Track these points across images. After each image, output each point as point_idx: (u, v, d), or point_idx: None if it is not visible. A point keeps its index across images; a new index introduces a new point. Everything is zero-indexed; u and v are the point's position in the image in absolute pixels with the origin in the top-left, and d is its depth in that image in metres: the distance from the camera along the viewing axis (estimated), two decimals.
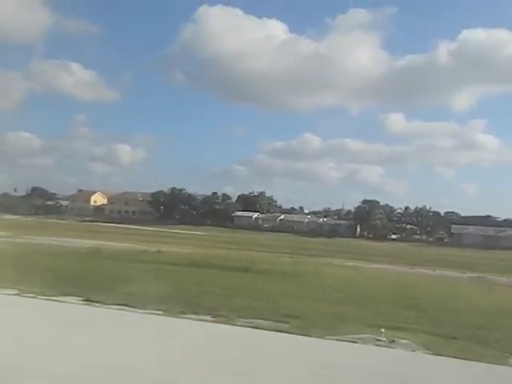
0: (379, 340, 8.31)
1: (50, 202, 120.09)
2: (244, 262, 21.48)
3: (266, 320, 9.58)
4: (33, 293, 11.57)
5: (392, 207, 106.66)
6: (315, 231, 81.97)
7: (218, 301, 11.63)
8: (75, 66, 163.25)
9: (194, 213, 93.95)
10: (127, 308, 10.11)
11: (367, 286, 16.38)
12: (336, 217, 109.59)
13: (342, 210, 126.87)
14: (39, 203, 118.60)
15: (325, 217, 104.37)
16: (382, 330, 8.49)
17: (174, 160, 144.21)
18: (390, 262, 31.80)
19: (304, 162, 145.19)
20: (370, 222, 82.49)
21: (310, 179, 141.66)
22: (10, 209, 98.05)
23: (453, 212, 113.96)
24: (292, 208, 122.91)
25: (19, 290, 11.91)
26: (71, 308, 9.94)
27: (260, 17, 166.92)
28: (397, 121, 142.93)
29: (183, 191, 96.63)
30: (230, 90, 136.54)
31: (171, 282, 14.84)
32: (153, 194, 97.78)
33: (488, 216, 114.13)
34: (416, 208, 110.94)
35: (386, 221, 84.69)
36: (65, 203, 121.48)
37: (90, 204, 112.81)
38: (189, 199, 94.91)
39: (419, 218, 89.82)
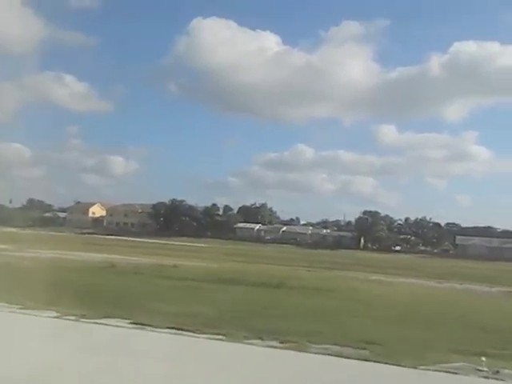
0: (481, 370, 7.39)
1: (47, 214, 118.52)
2: (271, 278, 20.59)
3: (341, 346, 8.66)
4: (73, 315, 10.63)
5: (392, 218, 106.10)
6: (318, 243, 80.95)
7: (272, 323, 10.73)
8: (69, 78, 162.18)
9: (195, 224, 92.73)
10: (185, 333, 9.20)
11: (412, 303, 15.51)
12: (335, 228, 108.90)
13: (340, 220, 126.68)
14: (36, 215, 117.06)
15: (324, 228, 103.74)
16: (483, 358, 7.56)
17: (167, 171, 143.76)
18: (412, 276, 30.89)
19: (297, 174, 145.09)
20: (373, 233, 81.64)
21: (303, 190, 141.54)
22: (6, 221, 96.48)
23: (453, 223, 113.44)
24: (291, 219, 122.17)
25: (57, 312, 10.96)
26: (129, 333, 9.05)
27: (254, 29, 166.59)
28: (389, 132, 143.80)
29: (184, 202, 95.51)
30: (223, 101, 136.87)
31: (209, 300, 13.93)
32: (153, 206, 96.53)
33: (489, 227, 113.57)
34: (416, 219, 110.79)
35: (388, 232, 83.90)
36: (62, 215, 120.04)
37: (89, 216, 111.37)
38: (189, 210, 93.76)
39: (424, 230, 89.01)
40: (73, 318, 10.47)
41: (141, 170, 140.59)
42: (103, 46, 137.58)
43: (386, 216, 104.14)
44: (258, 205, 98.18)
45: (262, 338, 9.23)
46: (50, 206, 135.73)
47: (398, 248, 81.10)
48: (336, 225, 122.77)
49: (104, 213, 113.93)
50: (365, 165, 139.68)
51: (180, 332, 9.57)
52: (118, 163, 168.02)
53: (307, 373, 6.84)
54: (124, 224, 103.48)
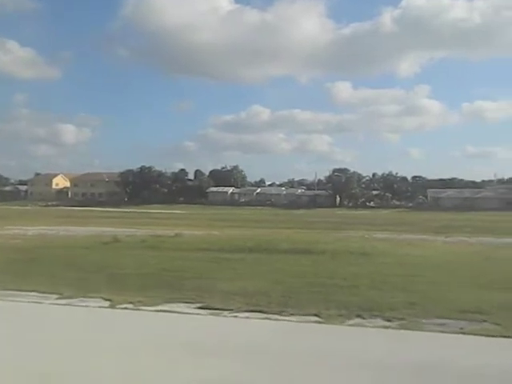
0: None
1: (7, 188, 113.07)
2: (295, 243, 19.31)
3: (452, 319, 7.69)
4: (127, 302, 9.04)
5: (360, 174, 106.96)
6: (294, 203, 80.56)
7: (352, 296, 9.53)
8: (11, 44, 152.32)
9: (165, 191, 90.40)
10: (272, 316, 8.00)
11: (468, 262, 14.65)
12: (304, 187, 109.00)
13: (305, 180, 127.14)
14: None
15: (290, 188, 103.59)
16: None
17: (122, 138, 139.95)
18: (418, 232, 30.36)
19: (254, 135, 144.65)
20: (348, 190, 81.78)
21: (260, 151, 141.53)
22: None
23: (419, 176, 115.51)
24: (259, 181, 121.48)
25: (104, 299, 9.33)
26: (216, 322, 7.71)
27: None
28: (344, 89, 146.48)
29: (153, 169, 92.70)
30: (175, 63, 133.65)
31: (259, 274, 12.55)
32: (121, 174, 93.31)
33: (453, 178, 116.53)
34: (383, 174, 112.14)
35: (361, 189, 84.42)
36: (23, 188, 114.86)
37: (52, 187, 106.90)
38: (159, 177, 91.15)
39: (393, 185, 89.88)
40: (128, 306, 8.88)
41: (94, 137, 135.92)
42: (47, 10, 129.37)
43: (354, 173, 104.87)
44: (229, 168, 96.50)
45: (362, 317, 8.03)
46: (6, 179, 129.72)
47: (372, 204, 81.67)
48: (303, 184, 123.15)
49: (68, 184, 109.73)
50: (321, 123, 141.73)
51: (268, 316, 8.23)
52: (69, 132, 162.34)
53: (465, 357, 5.68)
54: (91, 194, 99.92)
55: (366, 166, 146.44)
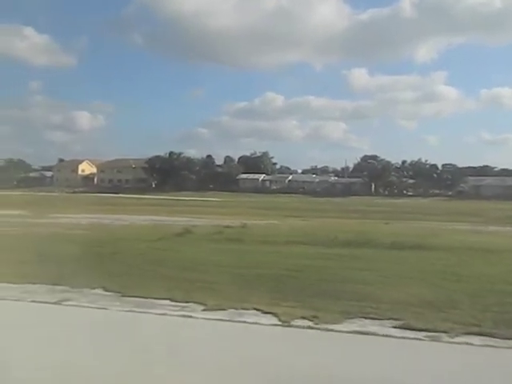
0: None
1: (33, 174, 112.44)
2: (392, 236, 17.25)
3: None
4: (299, 318, 7.15)
5: (389, 162, 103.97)
6: (328, 191, 78.22)
7: None
8: (28, 31, 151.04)
9: (194, 178, 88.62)
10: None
11: None
12: (333, 175, 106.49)
13: (327, 167, 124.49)
14: (19, 175, 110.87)
15: (313, 175, 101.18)
16: None
17: (136, 125, 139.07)
18: (489, 223, 28.04)
19: (267, 122, 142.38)
20: (384, 178, 79.10)
21: (273, 138, 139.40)
22: None
23: (450, 164, 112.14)
24: (287, 168, 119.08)
25: (263, 311, 7.42)
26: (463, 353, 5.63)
27: None
28: (360, 76, 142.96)
29: (182, 155, 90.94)
30: (190, 50, 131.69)
31: (406, 276, 10.50)
32: (148, 160, 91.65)
33: (485, 166, 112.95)
34: (412, 162, 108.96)
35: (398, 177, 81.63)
36: (48, 174, 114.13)
37: (78, 174, 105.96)
38: (188, 163, 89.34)
39: (431, 173, 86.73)
40: (308, 324, 6.91)
41: (108, 125, 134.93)
42: None
43: (383, 160, 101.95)
44: (258, 154, 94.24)
45: None
46: (28, 165, 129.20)
47: (410, 193, 78.96)
48: (326, 172, 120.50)
49: (93, 170, 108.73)
50: (336, 109, 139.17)
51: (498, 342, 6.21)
52: (84, 119, 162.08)
53: None
54: (118, 181, 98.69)
55: (381, 153, 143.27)
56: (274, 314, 7.31)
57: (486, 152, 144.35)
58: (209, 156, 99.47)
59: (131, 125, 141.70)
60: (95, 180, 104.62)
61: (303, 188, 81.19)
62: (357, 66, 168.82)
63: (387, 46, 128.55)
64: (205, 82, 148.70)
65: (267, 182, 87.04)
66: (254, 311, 7.55)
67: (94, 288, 9.18)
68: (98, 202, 50.19)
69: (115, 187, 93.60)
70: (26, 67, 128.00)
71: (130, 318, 7.31)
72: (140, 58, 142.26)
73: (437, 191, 79.53)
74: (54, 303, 8.11)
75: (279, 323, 6.97)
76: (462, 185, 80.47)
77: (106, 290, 9.02)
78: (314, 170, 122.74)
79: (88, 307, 7.83)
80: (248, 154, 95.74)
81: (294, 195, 72.78)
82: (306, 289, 9.19)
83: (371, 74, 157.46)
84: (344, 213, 37.97)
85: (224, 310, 7.68)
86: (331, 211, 39.97)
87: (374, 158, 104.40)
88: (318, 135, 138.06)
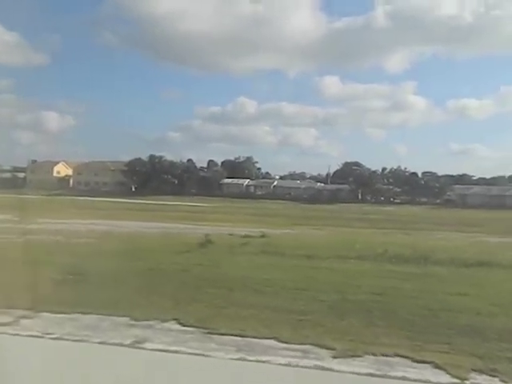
0: None
1: (4, 175, 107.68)
2: (442, 251, 15.81)
3: None
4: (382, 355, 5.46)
5: (369, 169, 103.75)
6: (315, 197, 76.96)
7: None
8: None
9: (176, 182, 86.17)
10: None
11: None
12: (313, 181, 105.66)
13: (304, 173, 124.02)
14: None
15: (298, 181, 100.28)
16: None
17: (106, 126, 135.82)
18: (500, 233, 27.08)
19: (240, 127, 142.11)
20: (372, 186, 78.38)
21: (245, 143, 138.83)
22: None
23: (430, 172, 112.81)
24: (267, 173, 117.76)
25: (436, 365, 5.69)
26: None
27: None
28: (332, 83, 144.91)
29: (163, 158, 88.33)
30: (163, 52, 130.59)
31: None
32: (128, 163, 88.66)
33: (464, 174, 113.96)
34: (391, 169, 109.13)
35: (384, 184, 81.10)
36: (21, 175, 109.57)
37: (53, 175, 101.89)
38: (170, 167, 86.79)
39: (418, 181, 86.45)
40: (492, 381, 5.26)
41: (77, 125, 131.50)
42: None
43: (364, 167, 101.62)
44: (242, 159, 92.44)
45: None
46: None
47: (398, 200, 78.40)
48: (304, 177, 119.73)
49: (69, 172, 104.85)
50: (307, 116, 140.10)
51: None
52: (52, 119, 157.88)
53: None
54: (95, 183, 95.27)
55: (350, 160, 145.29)
56: (435, 365, 5.64)
57: (453, 161, 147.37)
58: (189, 160, 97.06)
59: (101, 126, 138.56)
60: (71, 182, 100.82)
61: (289, 194, 79.72)
62: (329, 73, 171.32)
63: (360, 55, 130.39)
64: (178, 84, 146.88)
65: (252, 187, 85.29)
66: (401, 359, 5.87)
67: (165, 321, 7.33)
68: (83, 206, 47.68)
69: (93, 190, 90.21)
70: None
71: (248, 369, 5.53)
72: (113, 58, 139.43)
73: (424, 199, 79.22)
74: (130, 346, 6.24)
75: (457, 381, 5.27)
76: (448, 193, 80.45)
77: (183, 324, 7.19)
78: (292, 176, 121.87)
79: (180, 353, 6.00)
80: (232, 158, 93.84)
81: (281, 201, 71.21)
82: (422, 322, 7.57)
83: (343, 82, 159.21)
84: (347, 221, 36.58)
85: (359, 356, 5.97)
86: (332, 219, 38.56)
87: (357, 164, 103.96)
88: (289, 141, 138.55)
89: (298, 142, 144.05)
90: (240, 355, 5.88)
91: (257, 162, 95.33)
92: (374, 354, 5.99)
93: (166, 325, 7.19)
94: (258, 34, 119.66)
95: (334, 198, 75.18)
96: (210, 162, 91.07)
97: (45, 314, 7.67)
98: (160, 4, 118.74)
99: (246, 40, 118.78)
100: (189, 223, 29.36)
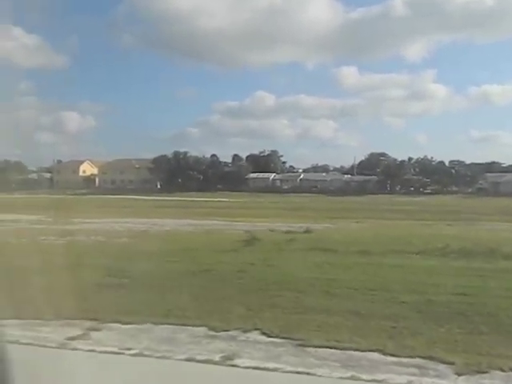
0: None
1: (31, 176, 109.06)
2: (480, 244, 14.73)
3: None
4: None
5: (396, 159, 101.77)
6: (342, 189, 75.70)
7: None
8: (17, 31, 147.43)
9: (201, 178, 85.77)
10: None
11: None
12: (336, 173, 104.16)
13: (327, 165, 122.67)
14: (17, 177, 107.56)
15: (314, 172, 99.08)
16: None
17: (126, 126, 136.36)
18: None
19: (258, 121, 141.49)
20: (401, 176, 76.74)
21: (264, 137, 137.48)
22: None
23: (457, 160, 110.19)
24: (291, 166, 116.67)
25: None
26: None
27: None
28: (350, 74, 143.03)
29: (188, 154, 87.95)
30: (181, 49, 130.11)
31: None
32: (154, 160, 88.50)
33: (493, 162, 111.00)
34: (418, 158, 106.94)
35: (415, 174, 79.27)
36: (47, 176, 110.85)
37: (79, 175, 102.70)
38: (195, 163, 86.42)
39: (454, 170, 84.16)
40: None
41: (98, 125, 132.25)
42: None
43: (389, 157, 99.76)
44: (267, 152, 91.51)
45: None
46: (25, 167, 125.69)
47: (428, 190, 76.57)
48: (326, 170, 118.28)
49: (94, 171, 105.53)
50: (326, 108, 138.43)
51: None
52: (73, 120, 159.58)
53: None
54: (121, 181, 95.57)
55: (370, 150, 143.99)
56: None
57: (475, 149, 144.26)
58: (213, 155, 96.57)
59: (121, 125, 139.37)
60: (97, 181, 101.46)
61: (316, 187, 78.54)
62: (347, 64, 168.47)
63: (378, 45, 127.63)
64: (195, 81, 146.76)
65: (278, 182, 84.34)
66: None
67: (246, 331, 6.67)
68: (112, 204, 47.47)
69: (118, 188, 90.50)
70: (16, 68, 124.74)
71: None
72: (130, 57, 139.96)
73: (454, 188, 77.26)
74: (221, 363, 5.57)
75: None
76: (480, 182, 78.27)
77: (268, 335, 6.51)
78: (315, 169, 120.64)
79: (280, 371, 5.30)
80: (257, 152, 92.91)
81: (308, 194, 70.17)
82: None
83: (361, 73, 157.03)
84: (383, 213, 35.55)
85: (485, 372, 5.19)
86: (367, 211, 37.57)
87: (383, 155, 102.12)
88: (308, 134, 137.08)
89: (317, 134, 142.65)
90: (350, 373, 5.16)
91: (282, 156, 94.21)
92: (501, 369, 5.21)
93: (250, 336, 6.53)
94: (275, 26, 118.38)
95: (361, 190, 73.82)
96: (235, 156, 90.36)
97: (112, 324, 7.10)
98: (176, 2, 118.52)
99: (262, 33, 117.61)
100: (222, 219, 28.79)
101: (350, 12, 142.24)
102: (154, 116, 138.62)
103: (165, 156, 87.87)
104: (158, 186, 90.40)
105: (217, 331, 6.70)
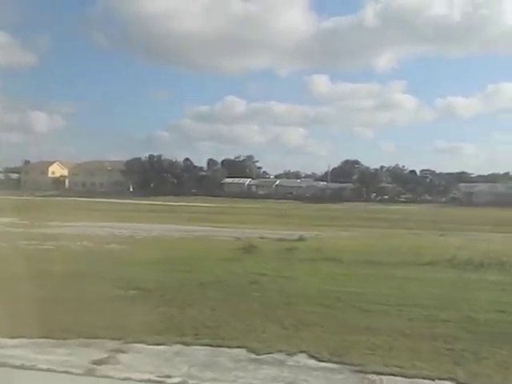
0: None
1: None
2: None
3: None
4: None
5: (368, 167, 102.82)
6: (318, 197, 75.72)
7: None
8: None
9: (175, 181, 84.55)
10: None
11: None
12: (310, 179, 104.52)
13: (299, 172, 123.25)
14: None
15: (298, 180, 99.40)
16: None
17: (95, 127, 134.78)
18: None
19: (228, 126, 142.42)
20: (376, 184, 77.33)
21: (234, 143, 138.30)
22: None
23: (428, 170, 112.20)
24: (264, 172, 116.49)
25: None
26: None
27: None
28: (322, 82, 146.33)
29: (162, 158, 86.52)
30: (153, 52, 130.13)
31: None
32: (127, 162, 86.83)
33: (463, 172, 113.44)
34: (389, 167, 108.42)
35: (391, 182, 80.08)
36: (14, 176, 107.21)
37: (48, 176, 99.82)
38: (170, 166, 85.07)
39: (430, 179, 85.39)
40: None
41: (67, 126, 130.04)
42: None
43: (361, 165, 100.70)
44: (242, 157, 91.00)
45: None
46: None
47: (401, 199, 77.40)
48: (298, 177, 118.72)
49: (64, 172, 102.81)
50: (297, 115, 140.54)
51: None
52: (41, 119, 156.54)
53: None
54: (91, 184, 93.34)
55: (338, 158, 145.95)
56: None
57: (439, 159, 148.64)
58: (187, 159, 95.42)
59: (91, 126, 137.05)
60: (66, 183, 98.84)
61: (291, 193, 78.40)
62: (319, 72, 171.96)
63: (350, 54, 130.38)
64: (167, 84, 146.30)
65: (253, 187, 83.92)
66: None
67: (291, 354, 6.01)
68: (86, 207, 46.01)
69: (89, 191, 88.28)
70: None
71: None
72: (103, 58, 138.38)
73: (428, 198, 78.37)
74: None
75: None
76: (454, 191, 79.69)
77: (318, 359, 5.87)
78: (287, 175, 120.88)
79: None
80: (232, 156, 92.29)
81: (285, 201, 69.91)
82: None
83: (333, 81, 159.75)
84: (366, 221, 35.43)
85: None
86: (350, 219, 37.34)
87: (357, 163, 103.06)
88: (278, 140, 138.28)
89: (288, 140, 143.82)
90: None
91: (257, 161, 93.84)
92: None
93: (299, 359, 5.86)
94: (249, 32, 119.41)
95: (337, 197, 74.03)
96: (210, 160, 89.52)
97: (138, 345, 6.31)
98: (149, 3, 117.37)
99: (236, 39, 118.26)
100: (208, 225, 28.07)
101: (322, 21, 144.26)
102: (124, 117, 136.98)
103: (138, 159, 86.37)
104: (131, 189, 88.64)
105: (258, 354, 6.02)
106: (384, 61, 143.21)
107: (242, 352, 6.07)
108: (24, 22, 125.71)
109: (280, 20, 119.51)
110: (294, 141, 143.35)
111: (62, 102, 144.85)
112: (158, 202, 61.66)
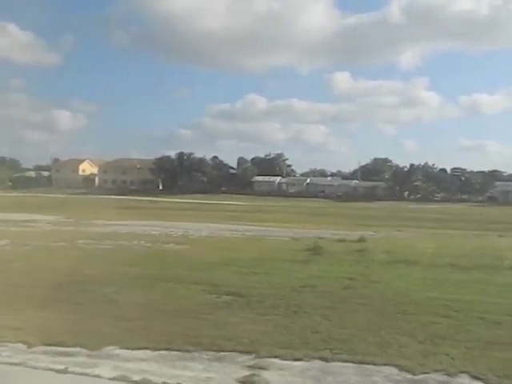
0: None
1: (29, 174, 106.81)
2: None
3: None
4: None
5: (398, 165, 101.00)
6: (350, 195, 74.59)
7: None
8: (11, 27, 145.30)
9: (205, 179, 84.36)
10: None
11: None
12: (338, 178, 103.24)
13: (324, 170, 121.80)
14: (13, 175, 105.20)
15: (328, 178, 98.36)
16: None
17: (118, 125, 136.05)
18: None
19: (249, 124, 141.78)
20: (411, 183, 75.83)
21: (255, 141, 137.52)
22: None
23: (459, 168, 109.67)
24: (292, 170, 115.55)
25: None
26: None
27: None
28: (344, 80, 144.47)
29: (192, 155, 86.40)
30: (176, 51, 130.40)
31: None
32: (156, 160, 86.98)
33: (495, 170, 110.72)
34: (419, 165, 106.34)
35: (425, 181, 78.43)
36: (45, 174, 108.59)
37: (78, 174, 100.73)
38: (200, 165, 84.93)
39: (464, 178, 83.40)
40: None
41: (89, 124, 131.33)
42: None
43: (391, 163, 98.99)
44: (272, 155, 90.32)
45: None
46: (20, 164, 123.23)
47: (436, 198, 75.77)
48: (324, 175, 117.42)
49: (94, 170, 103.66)
50: (318, 113, 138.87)
51: None
52: (65, 118, 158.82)
53: None
54: (121, 182, 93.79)
55: (360, 156, 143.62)
56: None
57: (463, 157, 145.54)
58: (215, 157, 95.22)
59: (113, 125, 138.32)
60: (96, 181, 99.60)
61: (323, 192, 77.39)
62: (341, 69, 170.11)
63: (372, 51, 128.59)
64: (189, 82, 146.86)
65: (284, 185, 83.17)
66: None
67: (450, 374, 5.34)
68: (123, 206, 45.83)
69: (119, 189, 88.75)
70: (9, 65, 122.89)
71: None
72: (125, 57, 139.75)
73: (464, 196, 76.55)
74: None
75: None
76: (491, 190, 77.67)
77: (483, 381, 5.18)
78: (313, 173, 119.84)
79: None
80: (262, 155, 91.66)
81: (317, 199, 68.98)
82: None
83: (354, 78, 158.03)
84: (411, 221, 34.35)
85: None
86: (392, 219, 36.35)
87: (388, 161, 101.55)
88: (299, 138, 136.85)
89: (308, 138, 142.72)
90: None
91: (287, 159, 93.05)
92: None
93: (464, 382, 5.20)
94: (271, 30, 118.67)
95: (370, 196, 72.84)
96: (240, 158, 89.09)
97: (274, 360, 5.73)
98: (171, 2, 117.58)
99: (258, 37, 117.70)
100: (251, 224, 27.52)
101: (346, 18, 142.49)
102: (146, 116, 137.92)
103: (168, 157, 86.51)
104: (160, 187, 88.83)
105: (414, 373, 5.38)
106: (407, 57, 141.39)
107: (393, 371, 5.45)
108: (48, 22, 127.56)
109: (302, 17, 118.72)
110: (316, 138, 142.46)
111: (85, 101, 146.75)
112: (189, 200, 61.46)
